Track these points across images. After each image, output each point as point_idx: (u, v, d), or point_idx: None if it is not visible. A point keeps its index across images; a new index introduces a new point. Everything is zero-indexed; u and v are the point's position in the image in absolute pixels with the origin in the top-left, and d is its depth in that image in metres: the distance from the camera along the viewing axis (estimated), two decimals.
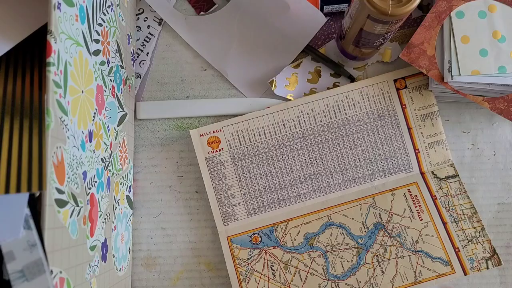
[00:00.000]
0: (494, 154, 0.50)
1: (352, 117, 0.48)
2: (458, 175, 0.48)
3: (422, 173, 0.48)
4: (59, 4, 0.31)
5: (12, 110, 0.31)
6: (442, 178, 0.48)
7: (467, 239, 0.47)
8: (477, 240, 0.47)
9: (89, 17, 0.37)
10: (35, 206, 0.29)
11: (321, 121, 0.48)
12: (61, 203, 0.30)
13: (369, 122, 0.48)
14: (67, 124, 0.32)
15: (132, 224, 0.50)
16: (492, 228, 0.49)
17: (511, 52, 0.45)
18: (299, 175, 0.48)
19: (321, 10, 0.50)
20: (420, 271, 0.46)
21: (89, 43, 0.37)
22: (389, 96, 0.49)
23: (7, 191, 0.27)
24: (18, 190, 0.27)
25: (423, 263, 0.47)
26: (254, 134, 0.48)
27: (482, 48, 0.46)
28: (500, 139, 0.50)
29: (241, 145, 0.48)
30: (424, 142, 0.49)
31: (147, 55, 0.52)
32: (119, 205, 0.45)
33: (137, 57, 0.52)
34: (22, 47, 0.36)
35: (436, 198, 0.48)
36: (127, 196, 0.48)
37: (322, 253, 0.47)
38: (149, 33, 0.53)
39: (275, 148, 0.48)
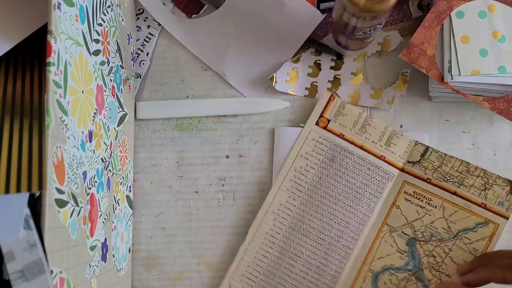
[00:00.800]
0: (494, 154, 0.50)
1: (313, 180, 0.48)
2: (428, 146, 0.48)
3: (401, 170, 0.48)
4: (59, 4, 0.31)
5: (12, 110, 0.31)
6: (419, 160, 0.48)
7: (482, 189, 0.46)
8: (489, 184, 0.46)
9: (89, 17, 0.37)
10: (35, 206, 0.29)
11: (294, 206, 0.48)
12: (61, 203, 0.30)
13: (329, 171, 0.48)
14: (67, 124, 0.32)
15: (132, 224, 0.50)
16: None
17: (511, 52, 0.45)
18: (318, 261, 0.47)
19: (317, 7, 0.50)
20: (473, 247, 0.45)
21: (89, 43, 0.37)
22: (323, 138, 0.48)
23: (7, 191, 0.27)
24: (18, 190, 0.27)
25: (470, 239, 0.45)
26: (257, 263, 0.47)
27: (482, 48, 0.46)
28: (500, 139, 0.50)
29: (255, 281, 0.47)
30: (381, 146, 0.48)
31: (147, 55, 0.52)
32: (119, 205, 0.45)
33: (137, 57, 0.52)
34: (22, 47, 0.36)
35: (430, 179, 0.47)
36: (127, 196, 0.48)
37: None
38: (149, 33, 0.53)
39: (282, 259, 0.47)
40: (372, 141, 0.48)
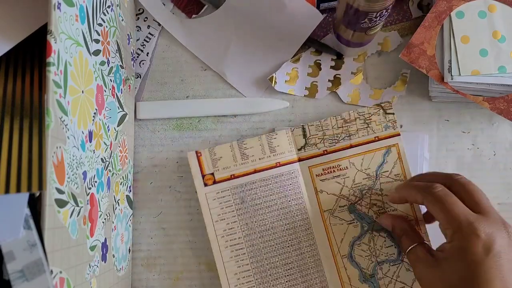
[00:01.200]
0: (494, 154, 0.50)
1: (243, 230, 0.47)
2: (302, 125, 0.48)
3: (299, 160, 0.48)
4: (59, 4, 0.31)
5: (12, 110, 0.31)
6: (305, 141, 0.48)
7: (366, 127, 0.48)
8: (368, 119, 0.48)
9: (89, 17, 0.37)
10: (35, 206, 0.29)
11: (247, 264, 0.47)
12: (61, 203, 0.30)
13: (248, 212, 0.47)
14: (67, 124, 0.32)
15: (132, 224, 0.50)
16: None
17: (511, 52, 0.45)
18: None
19: (318, 7, 0.50)
20: (394, 174, 0.48)
21: (89, 43, 0.37)
22: (220, 192, 0.48)
23: (7, 191, 0.27)
24: (18, 190, 0.27)
25: (388, 170, 0.48)
26: None
27: (482, 48, 0.46)
28: (500, 139, 0.50)
29: None
30: (269, 156, 0.48)
31: (147, 55, 0.52)
32: (119, 205, 0.45)
33: (137, 57, 0.52)
34: (22, 47, 0.36)
35: (326, 150, 0.48)
36: (127, 196, 0.48)
37: (373, 261, 0.47)
38: (149, 33, 0.53)
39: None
40: (259, 159, 0.48)
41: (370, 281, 0.47)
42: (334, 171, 0.48)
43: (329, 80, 0.51)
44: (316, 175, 0.48)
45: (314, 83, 0.51)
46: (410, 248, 0.41)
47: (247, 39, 0.51)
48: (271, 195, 0.48)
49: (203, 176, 0.48)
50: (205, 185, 0.48)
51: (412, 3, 0.52)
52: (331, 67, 0.51)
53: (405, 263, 0.47)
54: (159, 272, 0.49)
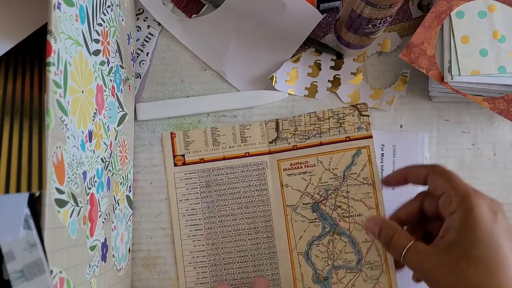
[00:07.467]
0: (494, 154, 0.50)
1: (204, 213, 0.49)
2: (277, 119, 0.49)
3: (269, 153, 0.49)
4: (59, 4, 0.31)
5: (12, 110, 0.31)
6: (277, 135, 0.49)
7: (338, 126, 0.48)
8: (341, 119, 0.48)
9: (89, 17, 0.37)
10: (35, 206, 0.29)
11: (203, 245, 0.49)
12: (61, 203, 0.30)
13: (211, 197, 0.49)
14: (67, 124, 0.32)
15: (132, 224, 0.50)
16: None
17: (511, 52, 0.45)
18: (252, 277, 0.47)
19: (318, 7, 0.50)
20: (363, 177, 0.48)
21: (89, 43, 0.37)
22: (188, 173, 0.49)
23: (7, 191, 0.27)
24: (18, 190, 0.27)
25: (356, 172, 0.48)
26: None
27: (482, 48, 0.46)
28: (500, 139, 0.50)
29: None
30: (239, 146, 0.49)
31: (147, 55, 0.52)
32: (119, 205, 0.45)
33: (137, 57, 0.52)
34: (22, 47, 0.36)
35: (295, 145, 0.49)
36: (127, 196, 0.48)
37: (330, 264, 0.47)
38: (149, 33, 0.53)
39: None
40: (230, 147, 0.49)
41: (323, 283, 0.47)
42: (301, 167, 0.48)
43: (329, 81, 0.51)
44: (284, 169, 0.49)
45: (314, 83, 0.51)
46: (408, 246, 0.39)
47: (247, 38, 0.51)
48: (236, 183, 0.49)
49: (174, 156, 0.49)
50: (175, 165, 0.49)
51: (412, 3, 0.52)
52: (331, 67, 0.51)
53: (363, 273, 0.46)
54: (159, 272, 0.49)
